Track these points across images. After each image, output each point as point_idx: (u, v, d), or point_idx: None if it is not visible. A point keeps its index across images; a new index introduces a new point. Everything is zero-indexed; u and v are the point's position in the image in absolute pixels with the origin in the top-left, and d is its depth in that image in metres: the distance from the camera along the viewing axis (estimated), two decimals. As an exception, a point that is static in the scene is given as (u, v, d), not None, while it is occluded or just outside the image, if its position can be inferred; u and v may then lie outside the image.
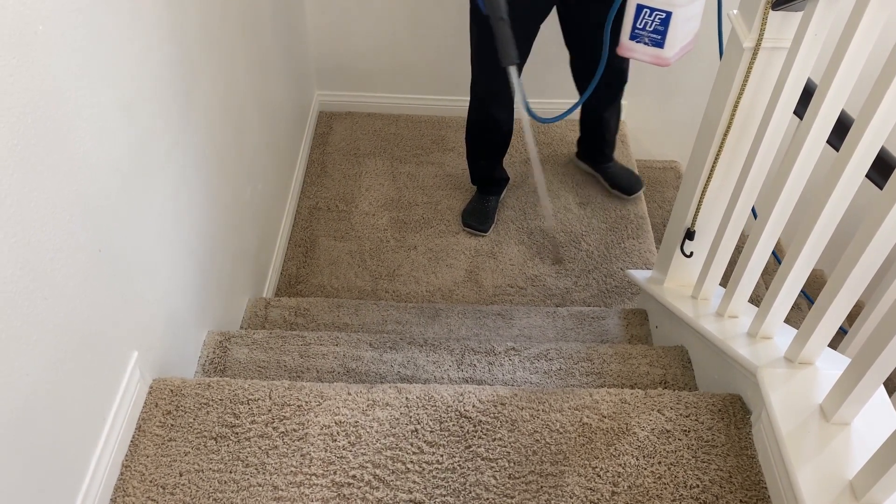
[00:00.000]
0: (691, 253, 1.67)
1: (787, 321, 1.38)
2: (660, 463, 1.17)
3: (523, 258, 2.31)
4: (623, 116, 2.83)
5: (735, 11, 1.34)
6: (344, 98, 2.81)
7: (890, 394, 1.20)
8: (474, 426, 1.21)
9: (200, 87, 1.48)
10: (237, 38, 1.75)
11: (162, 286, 1.34)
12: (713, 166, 1.50)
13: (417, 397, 1.24)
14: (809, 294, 2.32)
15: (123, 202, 1.16)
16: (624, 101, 2.78)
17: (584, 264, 2.30)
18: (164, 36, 1.29)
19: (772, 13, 1.25)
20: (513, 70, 1.58)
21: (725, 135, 1.44)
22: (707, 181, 1.53)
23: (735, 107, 1.38)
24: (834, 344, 1.33)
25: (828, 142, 1.20)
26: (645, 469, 1.16)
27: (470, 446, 1.19)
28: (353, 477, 1.14)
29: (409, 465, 1.16)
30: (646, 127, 2.86)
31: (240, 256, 1.85)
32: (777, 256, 2.25)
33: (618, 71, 2.17)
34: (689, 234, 1.64)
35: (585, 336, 1.80)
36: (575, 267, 2.29)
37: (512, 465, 1.17)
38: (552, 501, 1.12)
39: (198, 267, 1.52)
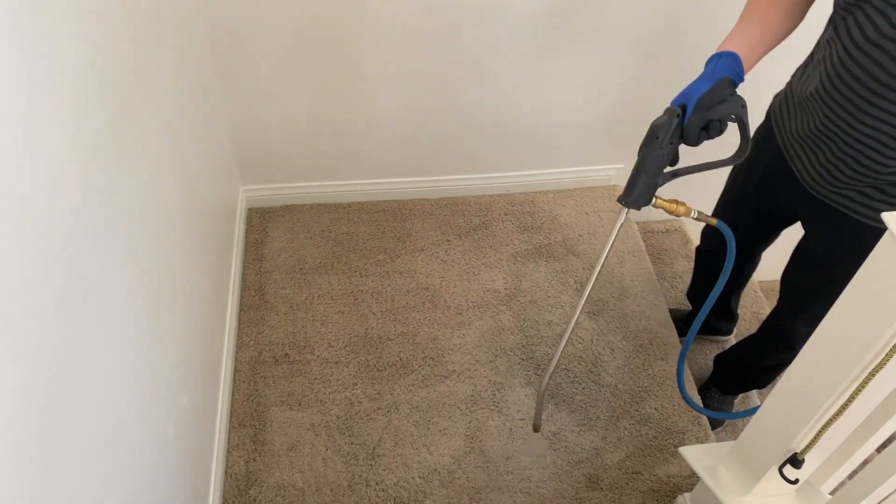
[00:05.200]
0: (796, 480, 1.23)
1: None
2: None
3: (535, 406, 1.84)
4: (615, 178, 2.36)
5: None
6: (278, 190, 2.23)
7: None
8: None
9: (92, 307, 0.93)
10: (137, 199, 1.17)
11: None
12: (847, 404, 1.04)
13: None
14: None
15: None
16: (620, 166, 2.31)
17: (610, 407, 1.84)
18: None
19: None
20: (624, 211, 1.16)
21: (874, 372, 0.98)
22: (834, 416, 1.08)
23: (897, 348, 0.93)
24: None
25: None
26: None
27: None
28: None
29: None
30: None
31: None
32: None
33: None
34: (795, 462, 1.20)
35: (650, 571, 1.35)
36: (600, 413, 1.83)
37: None
38: None
39: None
